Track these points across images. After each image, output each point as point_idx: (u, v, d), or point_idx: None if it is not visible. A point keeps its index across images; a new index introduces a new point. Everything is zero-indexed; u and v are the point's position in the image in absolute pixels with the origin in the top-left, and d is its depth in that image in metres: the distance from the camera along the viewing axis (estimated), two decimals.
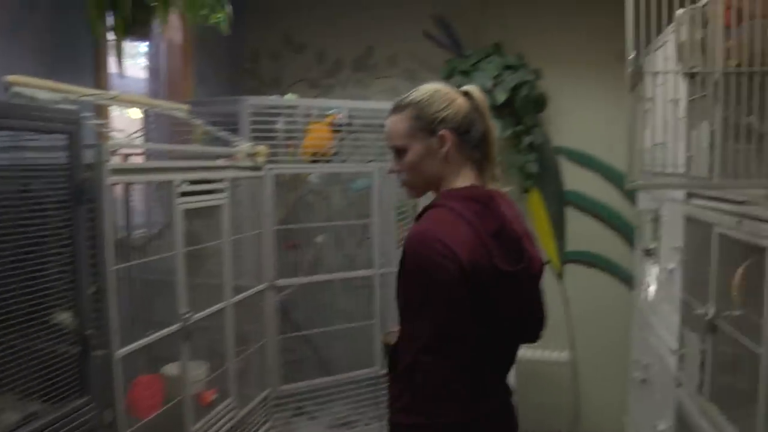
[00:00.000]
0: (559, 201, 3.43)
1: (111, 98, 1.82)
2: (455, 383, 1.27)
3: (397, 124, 1.37)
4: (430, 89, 1.37)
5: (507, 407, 1.41)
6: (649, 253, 2.76)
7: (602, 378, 3.46)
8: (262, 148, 2.31)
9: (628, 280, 3.37)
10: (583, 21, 3.33)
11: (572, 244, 3.46)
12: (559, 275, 3.47)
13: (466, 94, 1.39)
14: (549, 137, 3.39)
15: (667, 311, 2.42)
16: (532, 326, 1.45)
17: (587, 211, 3.42)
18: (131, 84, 3.26)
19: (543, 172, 3.33)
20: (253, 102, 2.63)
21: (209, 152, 2.29)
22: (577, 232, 3.44)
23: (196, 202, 1.95)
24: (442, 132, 1.33)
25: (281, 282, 2.77)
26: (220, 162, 2.17)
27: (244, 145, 2.27)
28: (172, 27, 3.04)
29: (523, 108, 3.13)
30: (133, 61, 3.28)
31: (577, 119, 3.38)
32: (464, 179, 1.36)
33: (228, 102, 2.66)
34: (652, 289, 2.77)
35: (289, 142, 3.10)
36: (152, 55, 3.22)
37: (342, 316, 3.05)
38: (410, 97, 1.37)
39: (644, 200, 3.10)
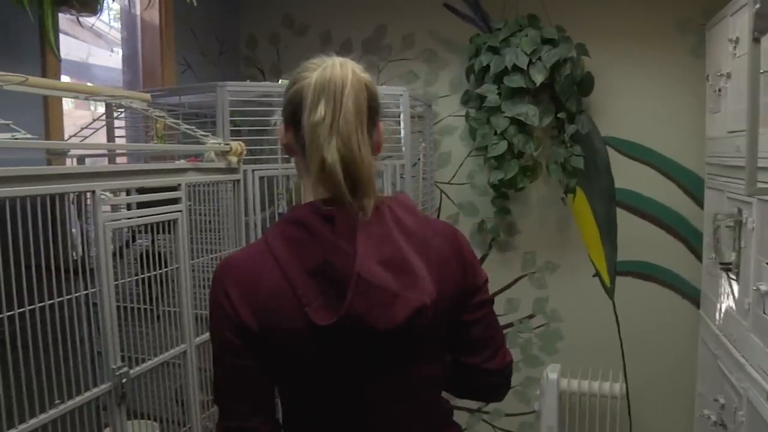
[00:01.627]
0: (608, 202, 2.87)
1: (20, 83, 1.35)
2: None
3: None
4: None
5: None
6: (727, 267, 2.21)
7: (662, 413, 2.91)
8: (235, 145, 1.83)
9: (693, 296, 2.81)
10: None
11: (625, 253, 2.90)
12: (610, 290, 2.92)
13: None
14: (596, 126, 2.85)
15: (756, 343, 1.89)
16: (464, 381, 1.11)
17: (643, 213, 2.86)
18: (103, 73, 2.82)
19: (589, 168, 2.79)
20: (232, 89, 2.14)
21: (165, 150, 1.81)
22: (630, 238, 2.87)
23: (136, 217, 1.47)
24: (281, 123, 1.04)
25: None
26: (179, 163, 1.69)
27: (212, 142, 1.79)
28: (147, 6, 2.58)
29: (566, 90, 2.59)
30: (109, 48, 2.85)
31: (629, 104, 2.82)
32: (310, 191, 1.01)
33: (200, 89, 2.18)
34: (732, 311, 2.23)
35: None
36: (126, 40, 2.77)
37: None
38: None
39: (716, 201, 2.54)
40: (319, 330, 0.92)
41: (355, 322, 0.91)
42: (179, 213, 1.61)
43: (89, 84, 2.41)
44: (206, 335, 1.76)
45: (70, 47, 2.82)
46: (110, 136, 2.32)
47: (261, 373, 0.99)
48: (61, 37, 2.64)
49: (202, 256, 1.91)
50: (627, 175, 2.85)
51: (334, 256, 0.93)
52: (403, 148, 2.41)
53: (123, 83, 2.78)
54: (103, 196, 1.31)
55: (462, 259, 1.05)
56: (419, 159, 2.76)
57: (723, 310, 2.41)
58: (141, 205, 1.51)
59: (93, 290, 1.31)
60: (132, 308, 1.66)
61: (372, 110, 1.00)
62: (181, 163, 1.70)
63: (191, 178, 1.67)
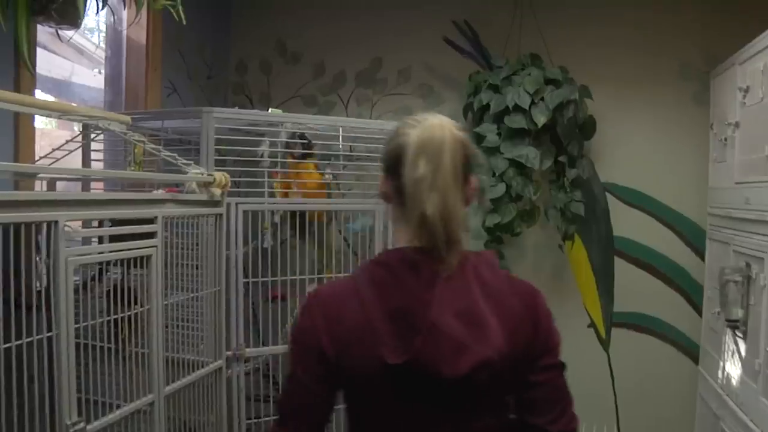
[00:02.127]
0: (606, 250, 2.77)
1: None
2: None
3: None
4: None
5: None
6: (734, 324, 2.10)
7: None
8: (219, 176, 1.69)
9: (692, 351, 2.69)
10: (637, 31, 2.71)
11: (621, 304, 2.79)
12: (605, 342, 2.80)
13: None
14: (596, 171, 2.76)
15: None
16: None
17: (641, 263, 2.75)
18: (85, 93, 2.68)
19: (588, 215, 2.68)
20: (219, 115, 2.01)
21: (139, 179, 1.66)
22: (627, 288, 2.76)
23: (106, 252, 1.32)
24: (382, 174, 1.11)
25: (251, 351, 2.12)
26: (156, 194, 1.54)
27: (194, 172, 1.65)
28: (133, 23, 2.46)
29: (568, 133, 2.49)
30: (92, 67, 2.72)
31: (630, 150, 2.74)
32: (402, 238, 1.07)
33: (185, 114, 2.04)
34: (738, 371, 2.11)
35: (274, 172, 2.51)
36: (110, 59, 2.64)
37: None
38: None
39: (720, 254, 2.44)
40: (389, 368, 0.97)
41: (421, 366, 0.97)
42: (154, 248, 1.46)
43: (64, 102, 2.25)
44: (179, 383, 1.60)
45: (52, 64, 2.68)
46: (86, 160, 2.17)
47: (324, 397, 1.08)
48: (44, 53, 2.51)
49: (178, 294, 1.76)
50: (626, 223, 2.75)
51: (413, 303, 0.99)
52: None
53: (104, 104, 2.64)
54: (67, 228, 1.16)
55: (536, 320, 1.08)
56: None
57: (727, 368, 2.29)
58: (113, 239, 1.37)
59: (49, 334, 1.15)
60: (98, 347, 1.50)
61: (466, 167, 1.05)
62: (159, 194, 1.56)
63: (169, 210, 1.53)
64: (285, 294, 2.32)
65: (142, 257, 1.44)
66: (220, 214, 1.76)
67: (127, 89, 2.62)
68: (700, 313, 2.66)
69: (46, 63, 2.71)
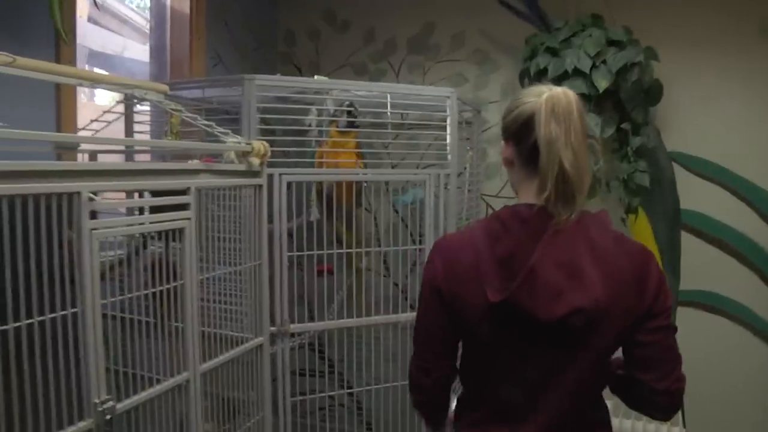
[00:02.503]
0: (673, 224, 2.59)
1: (5, 63, 1.16)
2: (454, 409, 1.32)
3: None
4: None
5: None
6: None
7: None
8: (258, 145, 1.61)
9: (766, 333, 2.50)
10: None
11: (689, 282, 2.60)
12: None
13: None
14: (662, 140, 2.56)
15: None
16: (634, 394, 1.25)
17: (711, 238, 2.56)
18: (134, 67, 2.66)
19: (653, 186, 2.50)
20: (262, 83, 1.94)
21: (174, 148, 1.61)
22: (696, 265, 2.58)
23: (135, 224, 1.27)
24: (503, 142, 1.26)
25: (296, 327, 2.07)
26: (190, 164, 1.48)
27: (230, 141, 1.57)
28: None
29: (632, 99, 2.31)
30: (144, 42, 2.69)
31: (700, 116, 2.53)
32: (525, 194, 1.22)
33: (226, 82, 1.98)
34: None
35: (322, 142, 2.44)
36: (154, 30, 2.60)
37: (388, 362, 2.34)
38: None
39: None
40: (491, 305, 1.12)
41: (518, 306, 1.10)
42: (187, 221, 1.40)
43: (96, 72, 2.23)
44: (217, 360, 1.56)
45: (105, 39, 2.67)
46: (128, 132, 2.15)
47: (449, 328, 1.23)
48: (96, 29, 2.51)
49: (219, 268, 1.71)
50: (695, 195, 2.56)
51: (517, 251, 1.12)
52: (449, 156, 2.17)
53: (150, 77, 2.61)
54: (91, 199, 1.10)
55: (644, 281, 1.14)
56: (465, 168, 2.52)
57: None
58: (152, 210, 1.32)
59: (74, 310, 1.10)
60: (137, 321, 1.47)
61: (585, 128, 1.16)
62: (193, 164, 1.49)
63: (203, 181, 1.46)
64: (332, 268, 2.25)
65: (175, 230, 1.39)
66: (260, 185, 1.69)
67: (171, 61, 2.58)
68: None
69: (99, 38, 2.70)
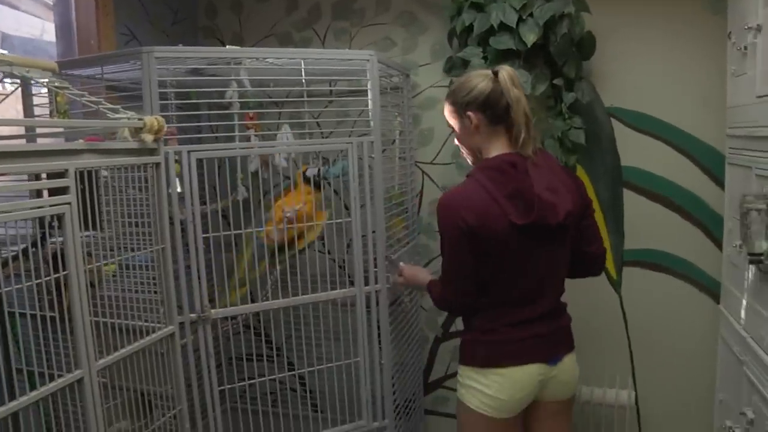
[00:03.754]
0: (614, 182, 2.51)
1: None
2: (475, 311, 1.78)
3: (445, 109, 1.79)
4: (460, 79, 1.75)
5: (536, 336, 1.73)
6: (757, 259, 1.85)
7: (676, 423, 2.56)
8: (150, 120, 1.48)
9: (712, 289, 2.46)
10: None
11: (633, 241, 2.55)
12: (616, 283, 2.57)
13: (495, 74, 1.69)
14: (598, 95, 2.48)
15: None
16: (580, 263, 1.84)
17: (653, 195, 2.50)
18: (52, 50, 2.47)
19: (591, 144, 2.42)
20: (162, 55, 1.79)
21: (47, 124, 1.46)
22: (639, 224, 2.52)
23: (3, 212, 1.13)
24: (469, 113, 1.70)
25: (219, 312, 1.95)
26: (69, 144, 1.34)
27: (117, 117, 1.44)
28: None
29: (563, 52, 2.22)
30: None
31: (636, 69, 2.44)
32: (496, 148, 1.71)
33: (122, 56, 1.82)
34: (763, 312, 1.88)
35: (249, 116, 2.31)
36: (57, 6, 2.42)
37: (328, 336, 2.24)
38: (450, 88, 1.79)
39: (741, 180, 2.18)
40: (516, 227, 1.60)
41: (539, 221, 1.60)
42: (67, 206, 1.27)
43: None
44: (116, 355, 1.43)
45: (20, 23, 2.50)
46: (28, 114, 1.98)
47: (473, 263, 1.67)
48: (12, 12, 2.34)
49: (123, 255, 1.58)
50: (635, 151, 2.49)
51: (521, 186, 1.62)
52: (372, 123, 2.06)
53: (57, 57, 2.44)
54: None
55: (581, 188, 1.78)
56: (397, 136, 2.41)
57: (750, 308, 2.06)
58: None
59: None
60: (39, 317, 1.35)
61: None
62: (75, 144, 1.35)
63: (85, 162, 1.33)
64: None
65: (53, 216, 1.25)
66: (157, 164, 1.56)
67: (78, 40, 2.40)
68: (720, 247, 2.41)
69: (14, 22, 2.52)
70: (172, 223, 1.72)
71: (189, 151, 1.81)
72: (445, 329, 2.77)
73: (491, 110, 1.66)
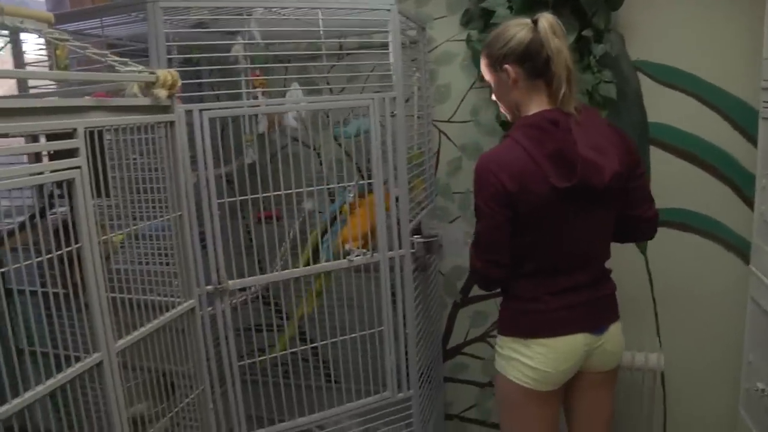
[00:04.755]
0: (640, 139, 2.40)
1: None
2: (516, 279, 1.67)
3: (481, 63, 1.67)
4: (497, 30, 1.62)
5: (580, 305, 1.65)
6: None
7: (702, 385, 2.51)
8: (163, 74, 1.33)
9: (742, 249, 2.37)
10: None
11: (660, 200, 2.37)
12: (642, 244, 2.48)
13: (535, 22, 1.55)
14: (625, 48, 2.35)
15: None
16: (631, 228, 1.74)
17: (681, 152, 2.39)
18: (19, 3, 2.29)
19: (617, 99, 2.30)
20: (167, 4, 1.63)
21: (51, 77, 1.32)
22: (666, 182, 2.41)
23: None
24: (506, 66, 1.58)
25: (237, 283, 1.83)
26: (75, 100, 1.19)
27: (127, 70, 1.29)
28: None
29: (593, 1, 2.08)
30: None
31: (665, 21, 2.31)
32: (536, 105, 1.58)
33: (124, 8, 1.66)
34: None
35: (255, 73, 2.17)
36: None
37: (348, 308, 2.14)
38: (485, 40, 1.65)
39: None
40: (558, 190, 1.51)
41: (583, 184, 1.50)
42: (77, 170, 1.14)
43: None
44: (135, 335, 1.32)
45: None
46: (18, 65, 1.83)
47: (508, 229, 1.58)
48: None
49: (138, 223, 1.46)
50: (662, 106, 2.37)
51: (564, 145, 1.50)
52: (394, 77, 1.92)
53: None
54: None
55: (629, 147, 1.64)
56: (413, 93, 2.27)
57: None
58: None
59: None
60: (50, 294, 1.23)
61: None
62: (84, 100, 1.21)
63: (95, 120, 1.19)
64: (279, 213, 2.01)
65: (62, 182, 1.12)
66: (172, 122, 1.42)
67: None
68: (750, 205, 2.32)
69: None
70: None
71: (201, 110, 1.67)
72: (464, 294, 2.68)
73: (530, 63, 1.55)
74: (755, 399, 2.24)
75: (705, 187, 2.37)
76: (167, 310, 1.45)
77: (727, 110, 2.31)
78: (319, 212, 2.11)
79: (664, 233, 2.43)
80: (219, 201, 1.73)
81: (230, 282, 1.79)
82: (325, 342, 2.00)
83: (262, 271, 1.94)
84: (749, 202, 2.32)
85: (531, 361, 1.63)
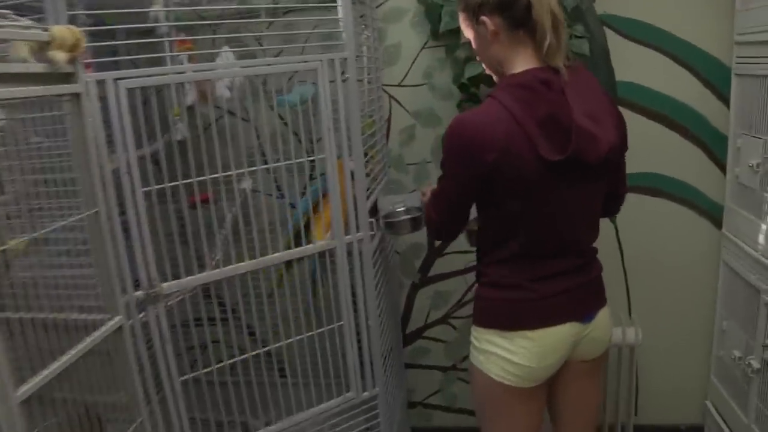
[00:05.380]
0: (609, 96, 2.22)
1: None
2: (494, 263, 1.48)
3: (459, 18, 1.45)
4: None
5: (568, 292, 1.45)
6: None
7: (671, 357, 2.41)
8: (62, 31, 1.02)
9: (714, 214, 2.26)
10: None
11: (630, 164, 2.27)
12: None
13: None
14: (593, 0, 2.15)
15: None
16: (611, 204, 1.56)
17: (651, 113, 2.23)
18: None
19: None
20: None
21: None
22: (635, 145, 2.20)
23: None
24: (483, 18, 1.36)
25: (171, 286, 1.55)
26: None
27: (14, 28, 0.98)
28: None
29: None
30: None
31: None
32: (522, 61, 1.36)
33: None
34: None
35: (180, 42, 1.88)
36: None
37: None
38: None
39: (751, 91, 1.95)
40: (547, 163, 1.28)
41: (575, 158, 1.28)
42: None
43: None
44: (45, 374, 1.03)
45: None
46: None
47: (474, 194, 1.42)
48: None
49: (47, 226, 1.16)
50: (631, 64, 2.19)
51: (557, 110, 1.28)
52: (344, 35, 1.65)
53: None
54: None
55: (621, 119, 1.44)
56: (365, 53, 2.00)
57: (760, 239, 1.86)
58: None
59: None
60: None
61: None
62: None
63: None
64: (215, 196, 1.72)
65: None
66: (77, 94, 1.11)
67: None
68: (722, 168, 2.19)
69: None
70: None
71: (116, 79, 1.35)
72: (423, 274, 2.47)
73: (509, 11, 1.32)
74: (729, 366, 2.15)
75: (676, 149, 2.23)
76: (87, 332, 1.16)
77: (698, 68, 2.16)
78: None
79: (634, 199, 2.28)
80: (144, 189, 1.43)
81: (164, 285, 1.50)
82: (280, 344, 1.75)
83: (201, 267, 1.66)
84: (721, 165, 2.20)
85: (513, 356, 1.43)
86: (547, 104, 1.28)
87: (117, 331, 1.21)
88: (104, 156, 1.33)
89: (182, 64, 1.77)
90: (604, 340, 1.56)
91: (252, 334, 1.97)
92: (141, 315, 1.50)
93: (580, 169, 1.32)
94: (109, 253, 1.17)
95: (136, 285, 1.47)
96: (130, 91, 1.38)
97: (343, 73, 1.67)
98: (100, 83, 1.34)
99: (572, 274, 1.45)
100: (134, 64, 1.56)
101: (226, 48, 1.79)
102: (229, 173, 1.59)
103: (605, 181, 1.44)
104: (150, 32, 1.91)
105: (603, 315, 1.54)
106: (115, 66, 1.50)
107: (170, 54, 1.72)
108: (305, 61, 1.62)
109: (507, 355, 1.43)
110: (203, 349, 2.12)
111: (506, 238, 1.43)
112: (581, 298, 1.48)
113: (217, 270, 1.60)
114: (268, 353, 1.78)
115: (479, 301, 1.52)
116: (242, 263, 1.64)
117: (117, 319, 1.20)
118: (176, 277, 1.55)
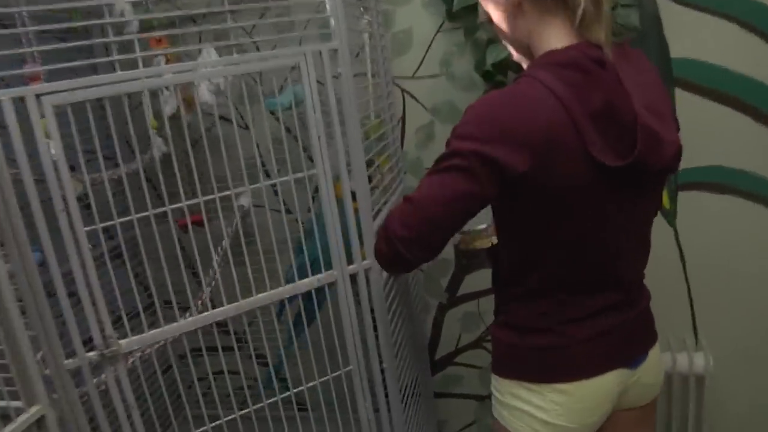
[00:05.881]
0: (663, 79, 1.86)
1: None
2: (517, 297, 1.17)
3: None
4: None
5: (612, 333, 1.13)
6: None
7: (746, 383, 2.05)
8: None
9: None
10: None
11: (690, 157, 1.89)
12: (670, 213, 1.97)
13: None
14: None
15: None
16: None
17: (715, 94, 1.86)
18: None
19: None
20: None
21: None
22: (696, 133, 1.87)
23: None
24: None
25: (131, 342, 1.28)
26: None
27: None
28: None
29: None
30: None
31: None
32: (555, 38, 1.03)
33: None
34: None
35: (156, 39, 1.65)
36: None
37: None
38: None
39: None
40: (601, 167, 0.97)
41: (638, 165, 0.98)
42: None
43: None
44: None
45: None
46: None
47: (478, 205, 1.04)
48: None
49: None
50: (688, 37, 1.83)
51: (615, 99, 0.97)
52: (332, 21, 1.34)
53: None
54: None
55: (673, 105, 1.30)
56: (367, 42, 1.70)
57: None
58: None
59: None
60: None
61: None
62: None
63: None
64: (201, 218, 1.45)
65: None
66: None
67: None
68: None
69: None
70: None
71: (38, 95, 1.08)
72: (451, 293, 2.16)
73: None
74: None
75: (746, 135, 1.86)
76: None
77: None
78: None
79: (697, 197, 1.93)
80: (86, 229, 1.15)
81: (123, 342, 1.23)
82: (285, 394, 1.47)
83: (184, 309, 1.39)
84: None
85: (544, 414, 1.14)
86: (603, 91, 0.98)
87: (40, 421, 0.94)
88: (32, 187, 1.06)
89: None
90: (656, 383, 1.27)
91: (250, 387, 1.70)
92: (101, 376, 1.25)
93: (638, 178, 1.04)
94: (15, 320, 0.90)
95: (89, 343, 1.20)
96: (57, 108, 1.10)
97: (337, 69, 1.37)
98: (20, 101, 1.07)
99: (615, 312, 1.16)
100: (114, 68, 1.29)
101: (207, 46, 1.54)
102: (212, 196, 1.33)
103: (660, 192, 1.19)
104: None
105: (654, 354, 1.25)
106: (94, 71, 1.25)
107: (140, 54, 1.44)
108: (284, 55, 1.32)
109: (537, 413, 1.14)
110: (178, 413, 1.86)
111: (532, 267, 1.13)
112: (627, 338, 1.19)
113: (190, 319, 1.32)
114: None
115: (498, 346, 1.24)
116: (234, 303, 1.36)
117: (35, 408, 0.92)
118: (141, 330, 1.27)
